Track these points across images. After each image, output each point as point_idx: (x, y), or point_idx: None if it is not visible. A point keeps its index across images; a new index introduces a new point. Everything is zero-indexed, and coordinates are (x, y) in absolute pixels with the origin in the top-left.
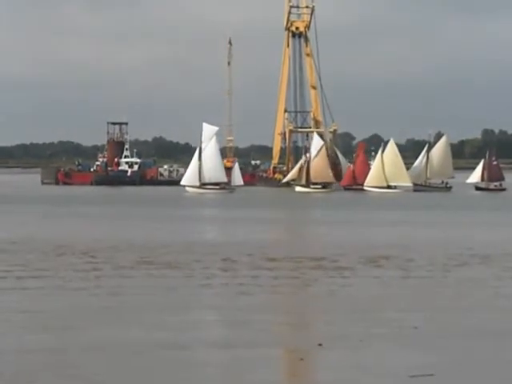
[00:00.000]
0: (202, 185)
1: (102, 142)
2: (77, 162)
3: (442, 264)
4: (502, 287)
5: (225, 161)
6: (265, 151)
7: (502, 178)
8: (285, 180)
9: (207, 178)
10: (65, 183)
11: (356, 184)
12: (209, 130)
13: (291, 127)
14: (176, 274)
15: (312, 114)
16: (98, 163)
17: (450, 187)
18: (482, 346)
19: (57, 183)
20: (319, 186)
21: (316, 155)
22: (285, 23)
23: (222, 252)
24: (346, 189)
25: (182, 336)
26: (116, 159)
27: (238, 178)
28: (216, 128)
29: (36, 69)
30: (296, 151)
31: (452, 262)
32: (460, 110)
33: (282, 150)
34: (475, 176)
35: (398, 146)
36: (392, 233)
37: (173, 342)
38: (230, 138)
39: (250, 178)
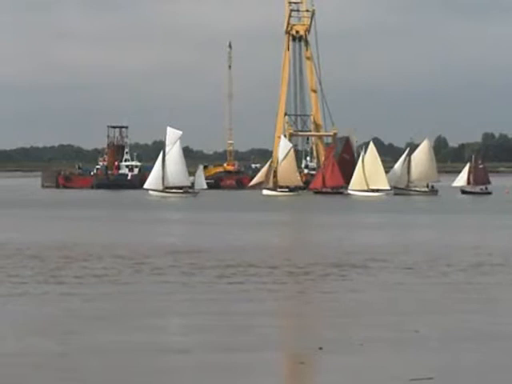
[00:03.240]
0: (166, 188)
1: (103, 145)
2: (77, 166)
3: (444, 267)
4: (503, 292)
5: (225, 164)
6: (265, 155)
7: (487, 182)
8: (252, 183)
9: (170, 181)
10: (65, 187)
11: (325, 187)
12: (173, 134)
13: (291, 131)
14: (175, 280)
15: (312, 117)
16: (98, 167)
17: (436, 191)
18: (483, 350)
19: (57, 187)
20: (286, 190)
21: (283, 159)
22: (285, 27)
23: (219, 256)
24: (316, 192)
25: (181, 340)
26: (116, 163)
27: (201, 181)
28: (180, 132)
29: (36, 72)
30: (296, 155)
31: (455, 266)
32: (461, 114)
33: None
34: (461, 179)
35: (399, 149)
36: (390, 236)
37: (172, 346)
38: (230, 142)
39: (251, 181)
